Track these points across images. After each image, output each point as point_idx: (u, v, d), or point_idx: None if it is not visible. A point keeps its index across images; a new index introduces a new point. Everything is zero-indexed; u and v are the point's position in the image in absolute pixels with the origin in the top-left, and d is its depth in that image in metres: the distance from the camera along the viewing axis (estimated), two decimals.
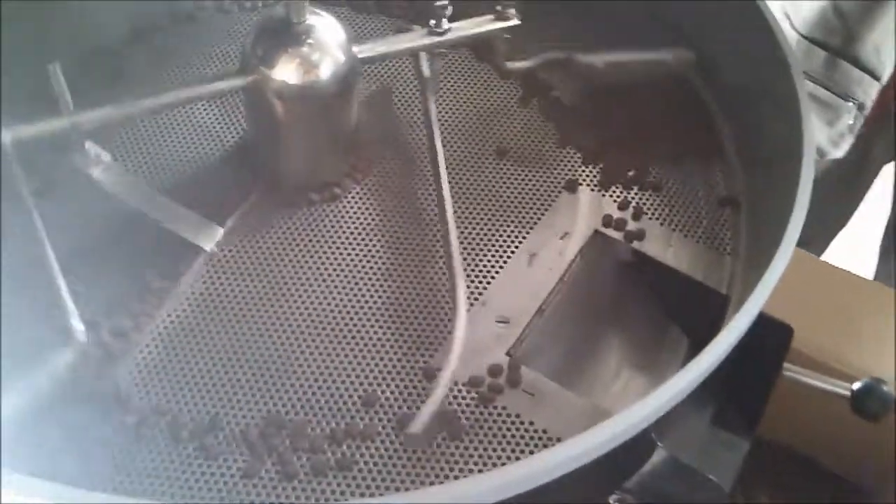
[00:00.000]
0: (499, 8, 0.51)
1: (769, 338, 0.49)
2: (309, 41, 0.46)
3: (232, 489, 0.38)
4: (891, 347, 0.59)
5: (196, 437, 0.40)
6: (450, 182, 0.51)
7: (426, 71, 0.53)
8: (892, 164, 0.94)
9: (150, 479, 0.39)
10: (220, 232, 0.48)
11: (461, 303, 0.43)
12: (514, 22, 0.51)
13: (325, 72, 0.46)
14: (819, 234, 1.00)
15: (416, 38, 0.50)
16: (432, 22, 0.49)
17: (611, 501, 0.43)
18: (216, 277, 0.47)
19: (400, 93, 0.57)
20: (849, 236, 1.04)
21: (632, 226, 0.50)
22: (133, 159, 0.52)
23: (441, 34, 0.50)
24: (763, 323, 0.48)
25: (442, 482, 0.39)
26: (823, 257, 0.95)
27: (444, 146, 0.53)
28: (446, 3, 0.49)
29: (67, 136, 0.44)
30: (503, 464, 0.40)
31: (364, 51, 0.49)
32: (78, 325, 0.41)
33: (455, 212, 0.50)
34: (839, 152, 0.86)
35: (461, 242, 0.48)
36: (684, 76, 0.57)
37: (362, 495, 0.38)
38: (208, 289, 0.46)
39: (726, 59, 0.55)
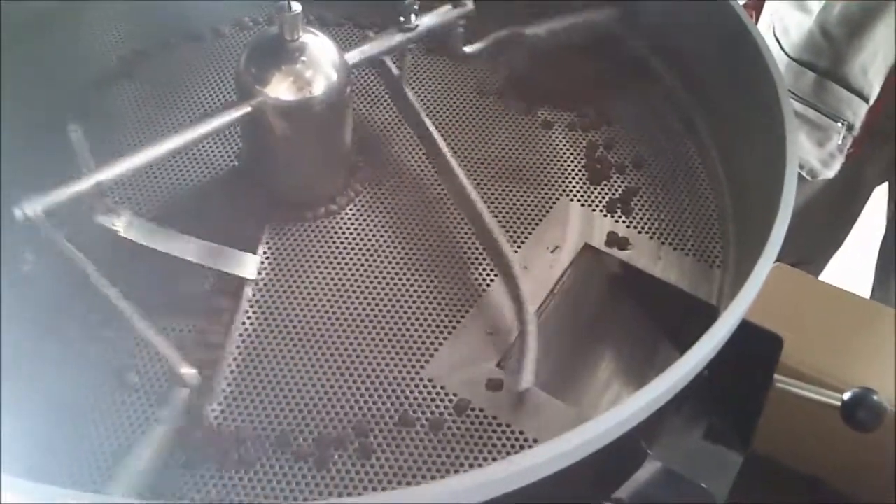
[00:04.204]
0: None
1: (760, 349, 0.49)
2: (303, 59, 0.47)
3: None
4: (883, 362, 0.59)
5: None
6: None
7: (394, 70, 0.55)
8: (885, 185, 0.95)
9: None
10: (257, 260, 0.48)
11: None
12: (470, 7, 0.53)
13: (319, 88, 0.47)
14: (815, 254, 1.00)
15: (394, 37, 0.52)
16: (401, 19, 0.52)
17: None
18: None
19: (391, 108, 0.58)
20: (845, 258, 1.05)
21: (622, 239, 0.51)
22: (133, 195, 0.52)
23: (412, 29, 0.52)
24: (753, 334, 0.49)
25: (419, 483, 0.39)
26: (820, 278, 0.96)
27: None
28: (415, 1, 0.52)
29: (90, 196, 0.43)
30: None
31: (353, 57, 0.51)
32: (188, 370, 0.41)
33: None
34: (830, 172, 0.87)
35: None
36: (677, 97, 0.58)
37: (349, 495, 0.39)
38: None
39: (716, 79, 0.56)
